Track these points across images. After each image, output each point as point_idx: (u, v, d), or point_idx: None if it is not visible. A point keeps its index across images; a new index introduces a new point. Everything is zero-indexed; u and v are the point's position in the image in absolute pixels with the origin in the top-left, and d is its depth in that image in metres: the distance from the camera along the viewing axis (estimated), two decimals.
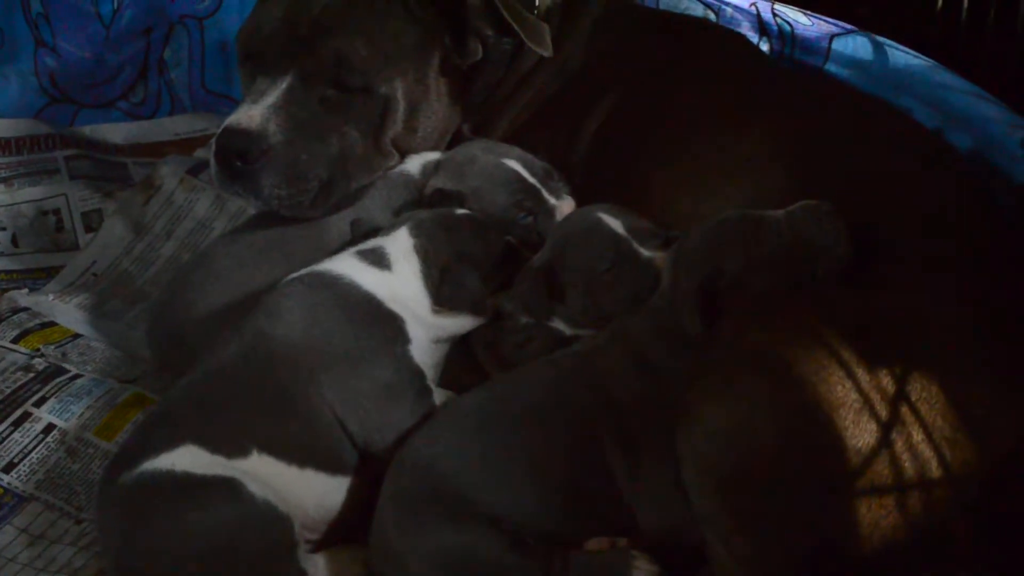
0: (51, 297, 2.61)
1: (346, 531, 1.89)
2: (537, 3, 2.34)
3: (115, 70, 2.96)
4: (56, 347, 2.40)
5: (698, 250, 1.79)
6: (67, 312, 2.57)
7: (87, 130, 2.94)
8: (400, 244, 1.98)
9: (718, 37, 2.41)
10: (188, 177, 2.84)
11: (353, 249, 2.01)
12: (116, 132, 2.97)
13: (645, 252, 1.95)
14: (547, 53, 2.23)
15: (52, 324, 2.50)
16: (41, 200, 2.81)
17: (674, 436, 1.65)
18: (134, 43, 2.96)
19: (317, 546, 1.88)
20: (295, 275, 1.98)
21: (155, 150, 2.98)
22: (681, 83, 2.25)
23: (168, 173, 2.86)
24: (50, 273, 2.73)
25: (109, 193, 2.87)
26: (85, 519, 2.00)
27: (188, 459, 1.74)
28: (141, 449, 1.77)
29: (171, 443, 1.75)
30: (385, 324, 1.92)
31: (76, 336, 2.48)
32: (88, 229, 2.82)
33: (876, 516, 1.55)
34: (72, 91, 2.94)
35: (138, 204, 2.83)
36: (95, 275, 2.71)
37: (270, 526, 1.73)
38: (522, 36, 2.19)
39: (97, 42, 2.92)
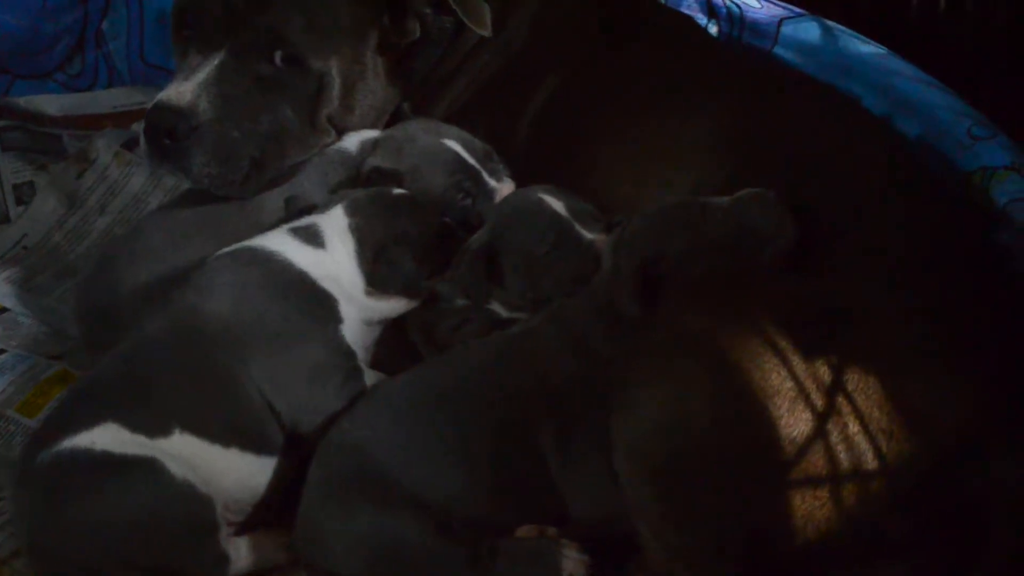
0: None
1: (272, 514, 1.86)
2: None
3: (52, 40, 2.90)
4: None
5: (640, 233, 1.76)
6: None
7: (22, 101, 2.88)
8: (335, 223, 1.95)
9: (665, 18, 2.37)
10: (123, 151, 2.78)
11: (287, 226, 1.97)
12: (51, 103, 2.90)
13: (587, 234, 1.92)
14: (486, 32, 2.19)
15: None
16: None
17: (607, 422, 1.62)
18: (71, 13, 2.91)
19: (241, 529, 1.84)
20: (226, 250, 1.94)
21: (91, 123, 2.91)
22: (626, 65, 2.21)
23: (103, 147, 2.80)
24: None
25: (42, 166, 2.80)
26: (3, 498, 1.95)
27: (108, 437, 1.70)
28: (61, 426, 1.73)
29: (91, 421, 1.72)
30: (317, 303, 1.89)
31: (2, 311, 2.43)
32: (19, 202, 2.75)
33: (810, 507, 1.53)
34: (7, 60, 2.88)
35: (71, 177, 2.77)
36: (26, 248, 2.65)
37: (190, 507, 1.70)
38: (461, 15, 2.15)
39: (33, 11, 2.86)
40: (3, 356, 2.22)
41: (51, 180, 2.77)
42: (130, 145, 2.79)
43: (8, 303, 2.46)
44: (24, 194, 2.76)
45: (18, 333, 2.35)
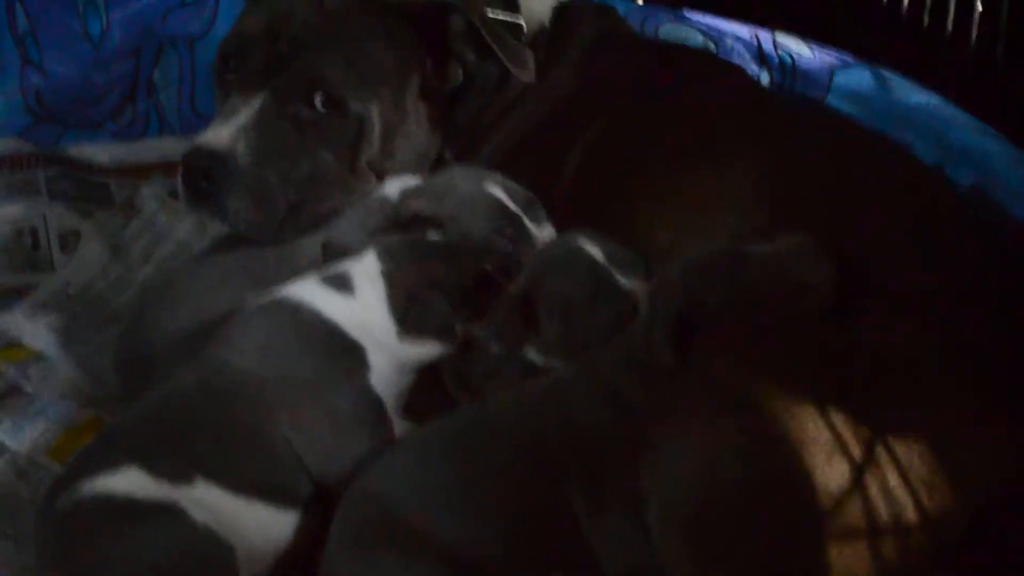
0: (20, 317, 2.54)
1: (297, 567, 1.81)
2: (524, 29, 2.28)
3: (103, 91, 2.92)
4: (17, 367, 2.34)
5: (679, 281, 1.71)
6: (35, 333, 2.49)
7: (72, 150, 2.91)
8: (366, 269, 1.92)
9: (712, 68, 2.35)
10: (170, 200, 2.78)
11: (317, 274, 1.94)
12: (102, 152, 2.93)
13: (625, 281, 1.88)
14: (529, 79, 2.17)
15: (17, 344, 2.45)
16: (18, 220, 2.76)
17: (639, 474, 1.58)
18: (123, 64, 2.93)
19: None
20: (254, 302, 1.92)
21: (140, 172, 2.92)
22: (670, 114, 2.17)
23: (150, 195, 2.81)
24: (22, 293, 2.65)
25: (88, 213, 2.81)
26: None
27: (129, 482, 1.66)
28: (82, 471, 1.70)
29: (113, 466, 1.68)
30: (345, 353, 1.86)
31: (40, 357, 2.41)
32: (64, 249, 2.75)
33: (849, 564, 1.48)
34: (59, 111, 2.90)
35: (117, 226, 2.77)
36: (69, 296, 2.64)
37: (210, 555, 1.65)
38: (504, 61, 2.13)
39: (85, 62, 2.88)
40: (38, 402, 2.20)
41: (97, 228, 2.76)
42: (177, 194, 2.79)
43: (48, 350, 2.44)
44: (69, 242, 2.76)
45: (54, 379, 2.33)
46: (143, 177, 2.91)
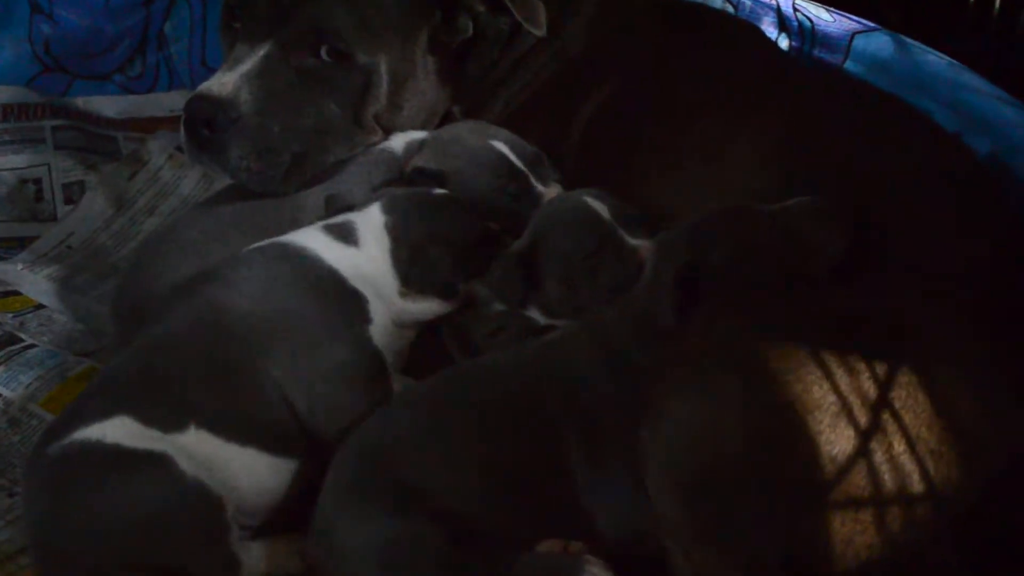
0: (20, 267, 2.55)
1: (289, 519, 1.78)
2: None
3: (113, 41, 2.89)
4: (15, 316, 2.34)
5: (682, 239, 1.68)
6: (34, 283, 2.50)
7: (80, 101, 2.87)
8: (371, 221, 1.89)
9: (728, 28, 2.30)
10: (177, 153, 2.76)
11: (321, 223, 1.92)
12: (110, 105, 2.90)
13: (630, 240, 1.83)
14: (540, 32, 2.13)
15: (15, 293, 2.45)
16: (22, 168, 2.75)
17: (639, 435, 1.53)
18: (134, 14, 2.90)
19: (256, 534, 1.77)
20: (255, 245, 1.89)
21: (148, 125, 2.90)
22: (683, 73, 2.14)
23: (156, 149, 2.80)
24: (24, 243, 2.66)
25: (93, 165, 2.80)
26: (18, 493, 1.90)
27: (120, 431, 1.64)
28: (74, 419, 1.68)
29: (104, 413, 1.66)
30: (346, 301, 1.83)
31: (38, 307, 2.41)
32: (68, 201, 2.75)
33: (851, 531, 1.44)
34: (67, 61, 2.87)
35: (122, 179, 2.76)
36: (70, 247, 2.64)
37: (199, 506, 1.63)
38: (515, 14, 2.09)
39: (96, 11, 2.85)
40: (33, 351, 2.18)
41: (101, 180, 2.76)
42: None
43: (46, 300, 2.45)
44: (74, 193, 2.76)
45: (52, 329, 2.33)
46: (151, 131, 2.89)
